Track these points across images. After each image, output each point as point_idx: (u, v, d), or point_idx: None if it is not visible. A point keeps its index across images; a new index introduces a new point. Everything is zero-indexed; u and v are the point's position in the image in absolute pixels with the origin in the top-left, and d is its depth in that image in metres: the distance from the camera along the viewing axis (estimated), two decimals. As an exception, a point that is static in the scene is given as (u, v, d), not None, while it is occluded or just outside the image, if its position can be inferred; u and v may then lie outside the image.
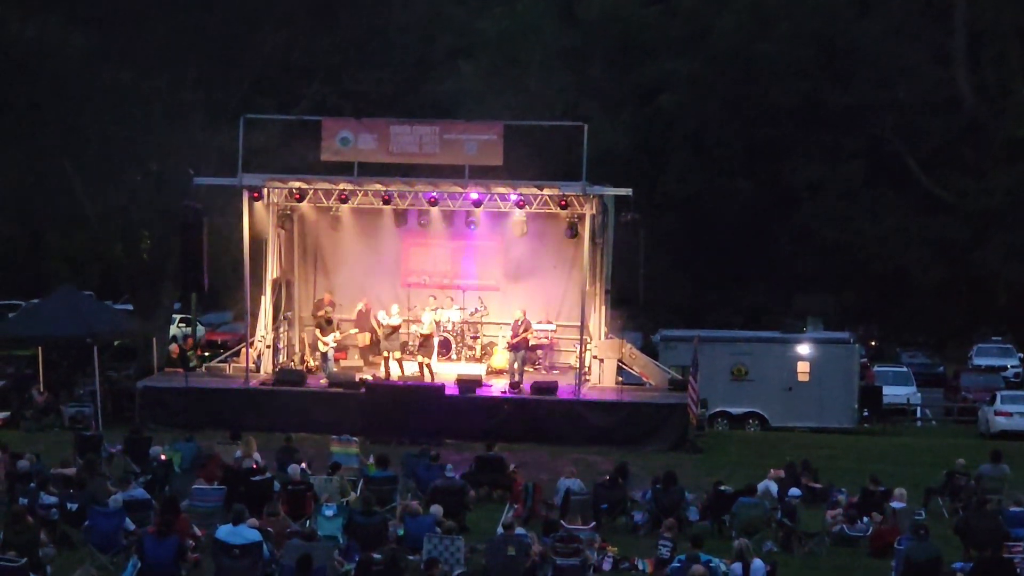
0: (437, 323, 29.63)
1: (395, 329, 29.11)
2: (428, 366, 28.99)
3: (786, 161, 50.65)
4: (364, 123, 28.55)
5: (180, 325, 43.63)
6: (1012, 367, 43.70)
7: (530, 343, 29.79)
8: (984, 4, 49.28)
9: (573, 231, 29.41)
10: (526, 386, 28.60)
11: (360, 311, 30.65)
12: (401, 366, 29.27)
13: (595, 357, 29.99)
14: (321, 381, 28.95)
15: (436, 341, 29.48)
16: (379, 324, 29.29)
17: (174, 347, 32.70)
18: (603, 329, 30.41)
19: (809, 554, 19.34)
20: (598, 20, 51.79)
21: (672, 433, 27.65)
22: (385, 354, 29.29)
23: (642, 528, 20.29)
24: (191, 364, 30.92)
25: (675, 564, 16.01)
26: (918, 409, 37.92)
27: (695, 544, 16.36)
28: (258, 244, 29.67)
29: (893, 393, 36.61)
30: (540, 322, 30.91)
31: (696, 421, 28.24)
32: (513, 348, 28.90)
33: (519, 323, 29.08)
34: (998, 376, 40.40)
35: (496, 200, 29.39)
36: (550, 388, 28.42)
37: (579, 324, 28.89)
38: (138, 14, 33.58)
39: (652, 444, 27.33)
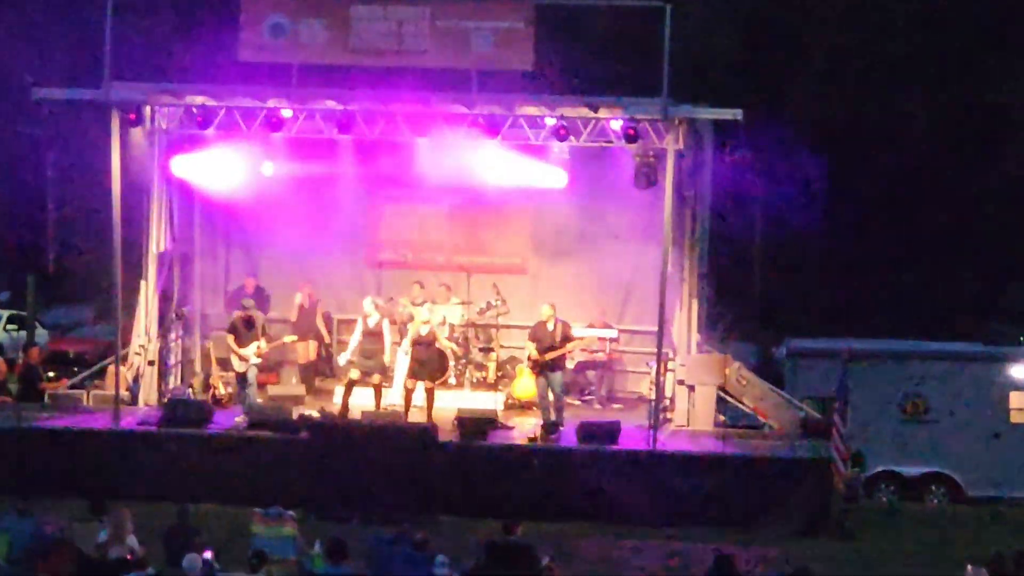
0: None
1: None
2: (430, 393, 28.99)
3: (986, 75, 51.05)
4: (308, 1, 28.30)
5: (9, 327, 44.20)
6: None
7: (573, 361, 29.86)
8: None
9: (648, 179, 29.11)
10: (569, 428, 28.26)
11: (300, 305, 31.60)
12: (378, 393, 29.04)
13: (681, 382, 29.68)
14: (237, 419, 28.73)
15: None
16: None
17: (0, 362, 32.75)
18: (694, 338, 30.03)
19: None
20: None
21: (805, 506, 27.27)
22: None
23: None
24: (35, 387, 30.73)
25: None
26: None
27: None
28: (136, 196, 29.66)
29: None
30: (591, 325, 31.35)
31: (845, 487, 27.87)
32: (544, 368, 28.50)
33: (546, 325, 28.73)
34: None
35: (522, 127, 29.05)
36: (609, 432, 27.97)
37: (656, 329, 28.43)
38: None
39: (773, 524, 26.85)
